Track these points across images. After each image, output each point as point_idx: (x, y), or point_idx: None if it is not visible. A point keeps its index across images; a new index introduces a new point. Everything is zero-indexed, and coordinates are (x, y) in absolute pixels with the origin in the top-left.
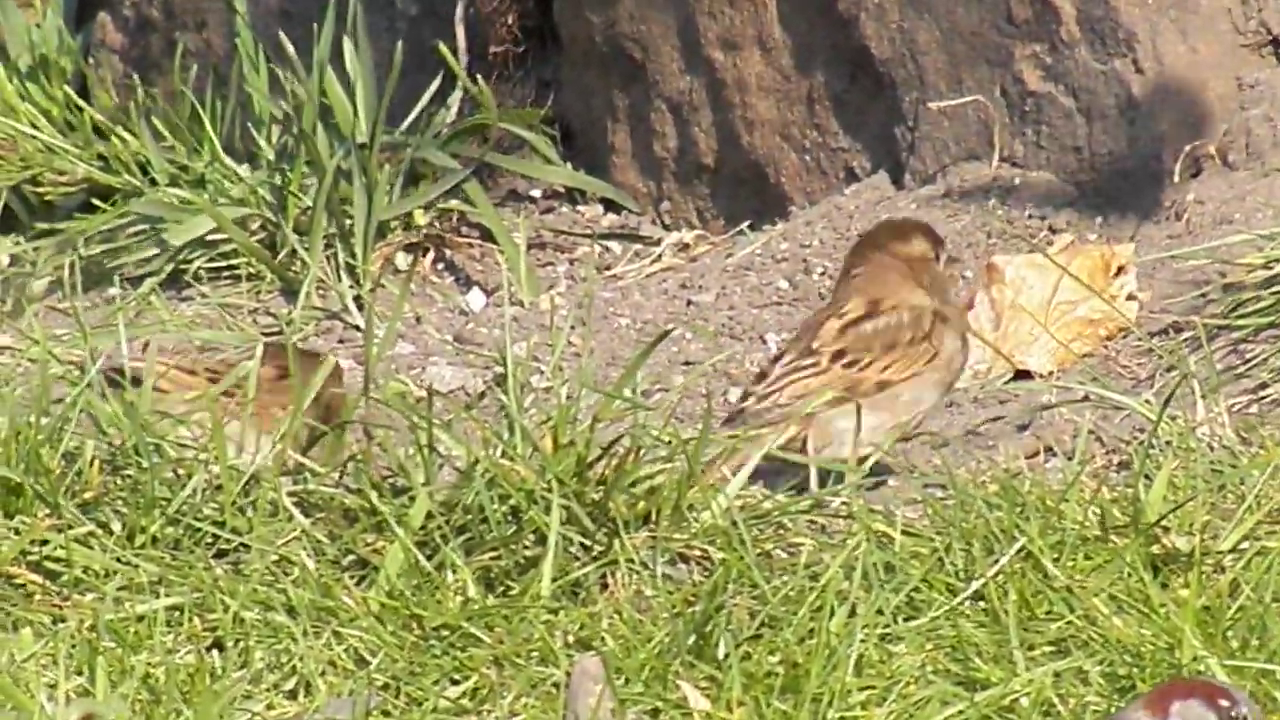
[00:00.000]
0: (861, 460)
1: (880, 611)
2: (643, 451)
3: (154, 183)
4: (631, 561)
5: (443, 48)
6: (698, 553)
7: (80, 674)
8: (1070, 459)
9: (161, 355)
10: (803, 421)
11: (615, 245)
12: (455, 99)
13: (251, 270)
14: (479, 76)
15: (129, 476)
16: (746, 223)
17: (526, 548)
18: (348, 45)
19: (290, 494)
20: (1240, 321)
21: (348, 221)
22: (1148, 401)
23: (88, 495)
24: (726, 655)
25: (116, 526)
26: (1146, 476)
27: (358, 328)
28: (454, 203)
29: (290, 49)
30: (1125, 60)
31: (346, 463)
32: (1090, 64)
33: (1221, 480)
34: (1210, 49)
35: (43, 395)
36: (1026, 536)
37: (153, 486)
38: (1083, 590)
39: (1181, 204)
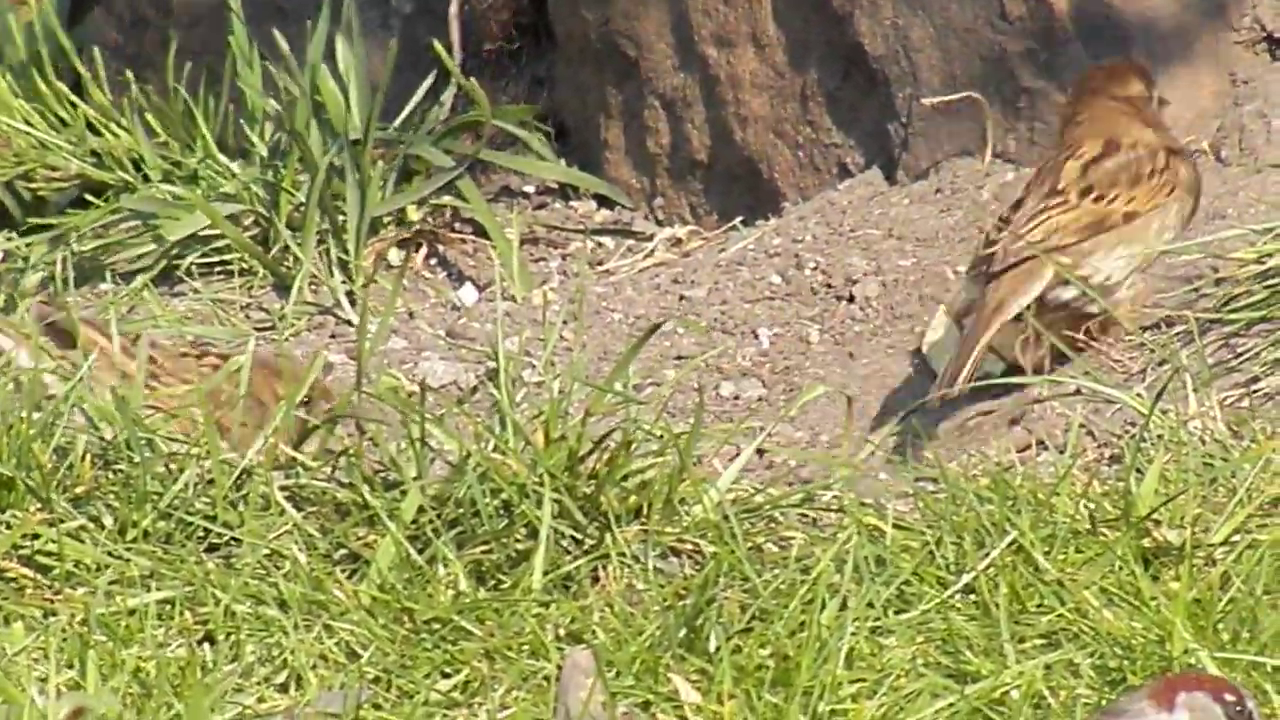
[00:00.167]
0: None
1: (871, 604)
2: (634, 446)
3: (147, 179)
4: (623, 555)
5: (437, 45)
6: (689, 546)
7: (71, 667)
8: (1062, 453)
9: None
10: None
11: (608, 241)
12: (449, 95)
13: (244, 266)
14: (473, 73)
15: (120, 471)
16: (739, 218)
17: (518, 541)
18: (341, 42)
19: (282, 488)
20: (1232, 315)
21: (340, 217)
22: (1139, 395)
23: (79, 490)
24: (717, 648)
25: (108, 521)
26: (1138, 470)
27: (350, 323)
28: (447, 199)
29: (284, 45)
30: (1119, 56)
31: (339, 457)
32: (1084, 59)
33: (1213, 474)
34: (1204, 45)
35: (34, 390)
36: (1017, 530)
37: (144, 481)
38: (1073, 583)
39: None
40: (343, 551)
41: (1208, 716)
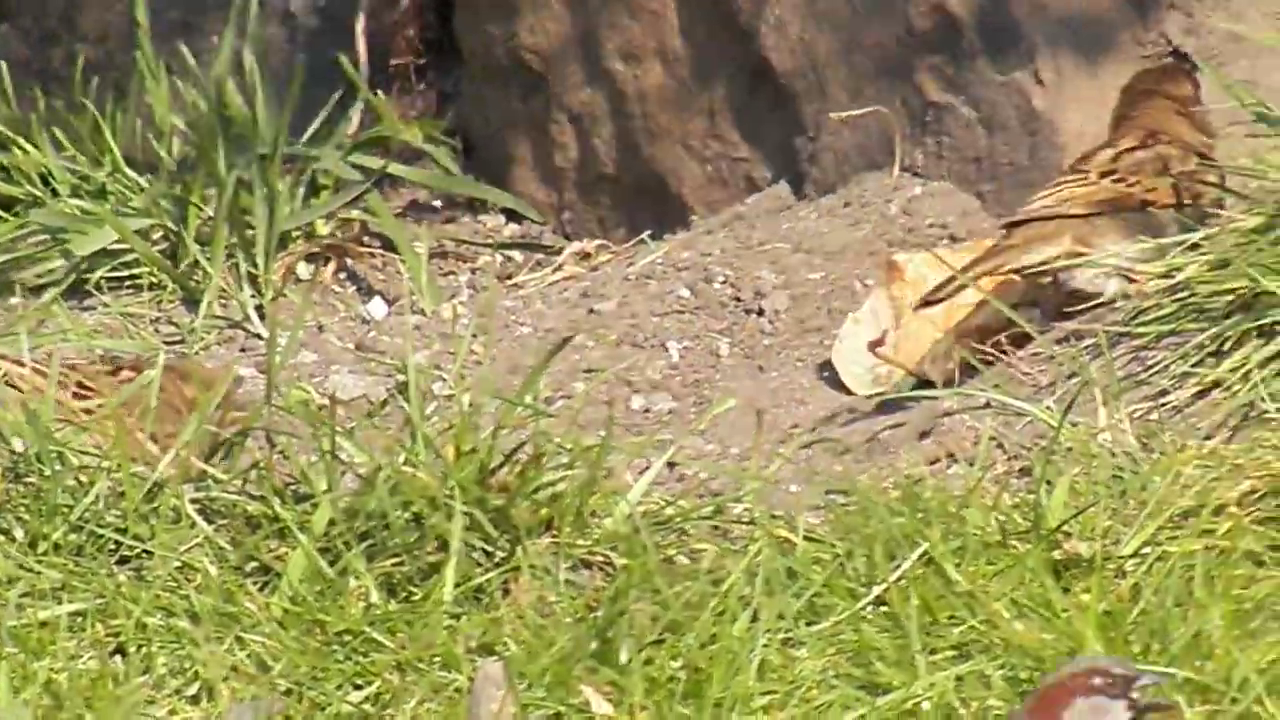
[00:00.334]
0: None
1: (782, 616)
2: (545, 459)
3: (56, 193)
4: (534, 567)
5: (343, 60)
6: (600, 559)
7: None
8: (972, 465)
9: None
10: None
11: (517, 255)
12: (356, 110)
13: (153, 280)
14: (380, 89)
15: (31, 484)
16: (647, 232)
17: (429, 554)
18: (248, 57)
19: (193, 501)
20: (1141, 329)
21: (249, 232)
22: (1049, 408)
23: None
24: (629, 660)
25: (19, 533)
26: (1048, 482)
27: (260, 336)
28: (355, 213)
29: (191, 61)
30: (1025, 71)
31: (249, 470)
32: (990, 75)
33: (1123, 486)
34: (1110, 60)
35: None
36: (928, 542)
37: (55, 494)
38: (984, 595)
39: None
40: (254, 564)
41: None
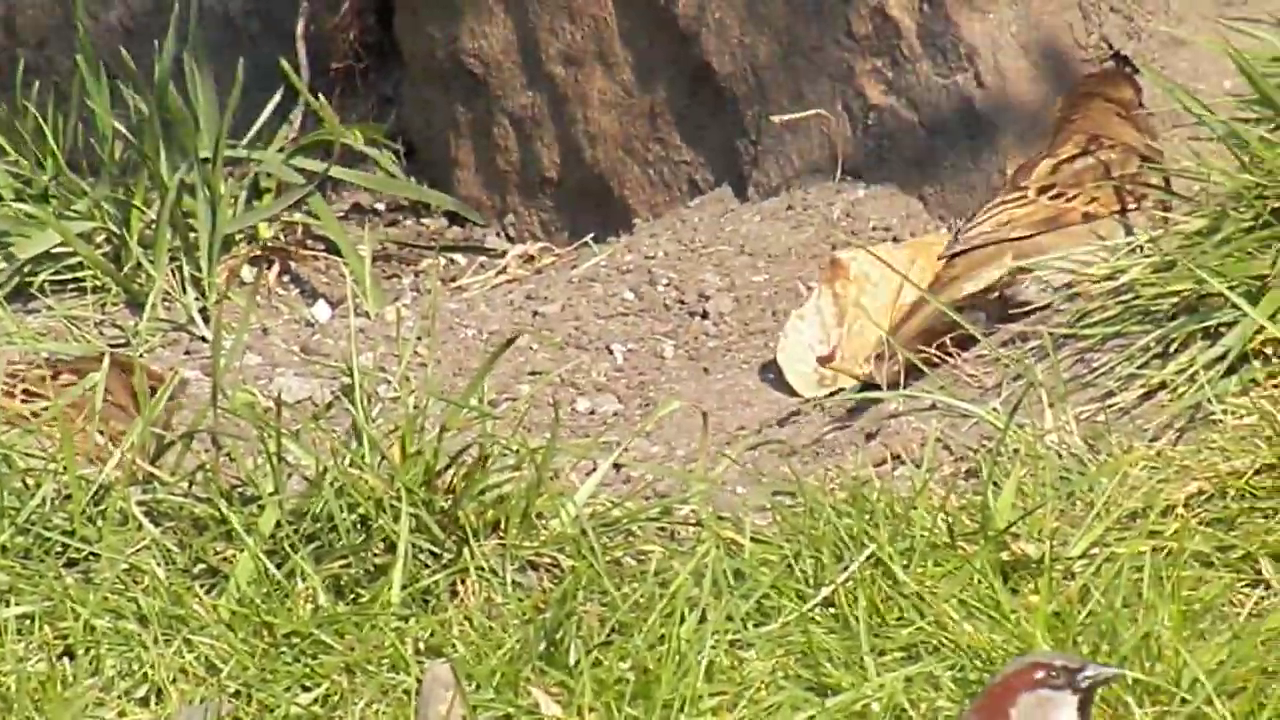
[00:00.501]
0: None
1: (730, 618)
2: (491, 460)
3: None
4: (481, 569)
5: (284, 64)
6: (547, 560)
7: None
8: (919, 467)
9: None
10: (1020, 253)
11: (460, 257)
12: (298, 114)
13: (97, 283)
14: (321, 92)
15: None
16: (590, 235)
17: (376, 556)
18: (189, 61)
19: (139, 503)
20: (1087, 331)
21: (192, 235)
22: (995, 410)
23: None
24: (577, 661)
25: None
26: (995, 484)
27: (204, 339)
28: (299, 216)
29: (132, 65)
30: (967, 74)
31: (196, 472)
32: (932, 78)
33: (1070, 488)
34: (1051, 63)
35: None
36: (876, 543)
37: (1, 497)
38: (933, 596)
39: None
40: (201, 566)
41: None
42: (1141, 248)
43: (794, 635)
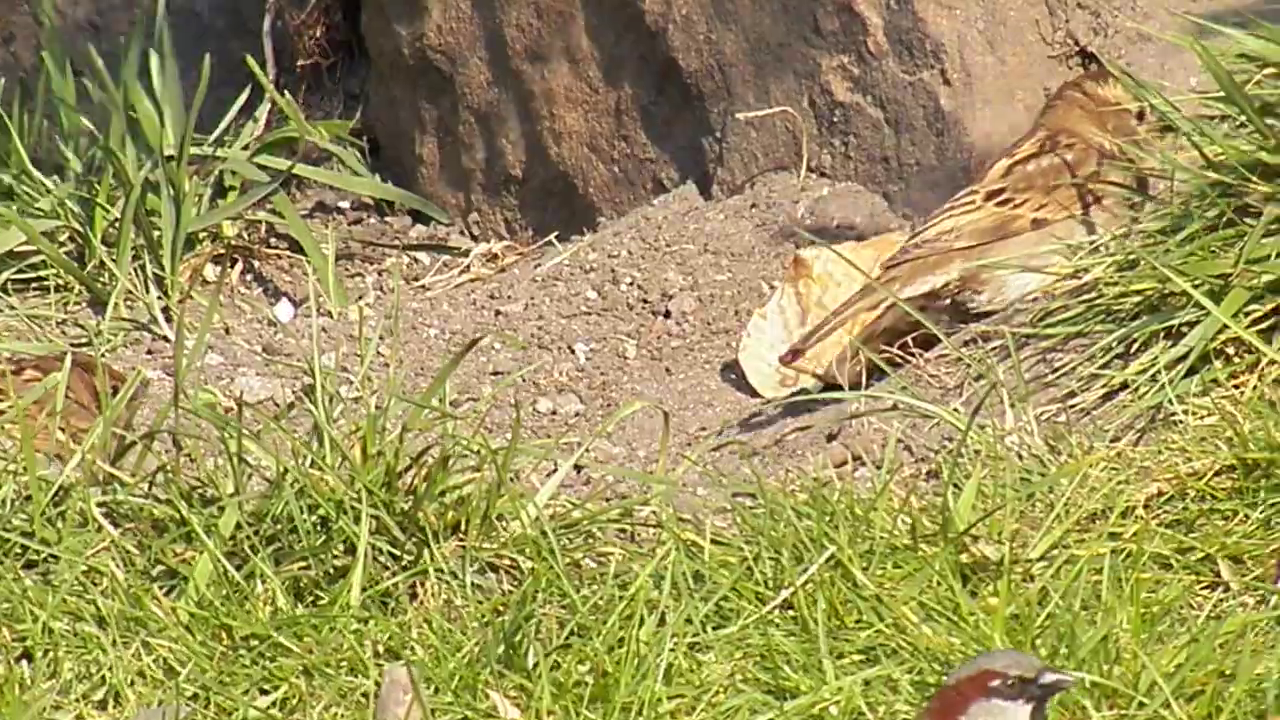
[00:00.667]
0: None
1: (689, 620)
2: (452, 461)
3: None
4: (441, 571)
5: (250, 60)
6: (507, 562)
7: None
8: (879, 468)
9: None
10: (966, 268)
11: (424, 256)
12: (263, 111)
13: (60, 282)
14: (287, 89)
15: None
16: (555, 233)
17: (336, 557)
18: (154, 58)
19: (99, 505)
20: (1048, 330)
21: (156, 233)
22: (956, 410)
23: None
24: (536, 664)
25: None
26: (955, 485)
27: (166, 339)
28: (262, 214)
29: (98, 62)
30: (933, 71)
31: (156, 473)
32: (898, 75)
33: (1030, 489)
34: (1018, 60)
35: None
36: (836, 545)
37: None
38: (892, 599)
39: None
40: (160, 568)
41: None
42: (1104, 247)
43: (753, 638)
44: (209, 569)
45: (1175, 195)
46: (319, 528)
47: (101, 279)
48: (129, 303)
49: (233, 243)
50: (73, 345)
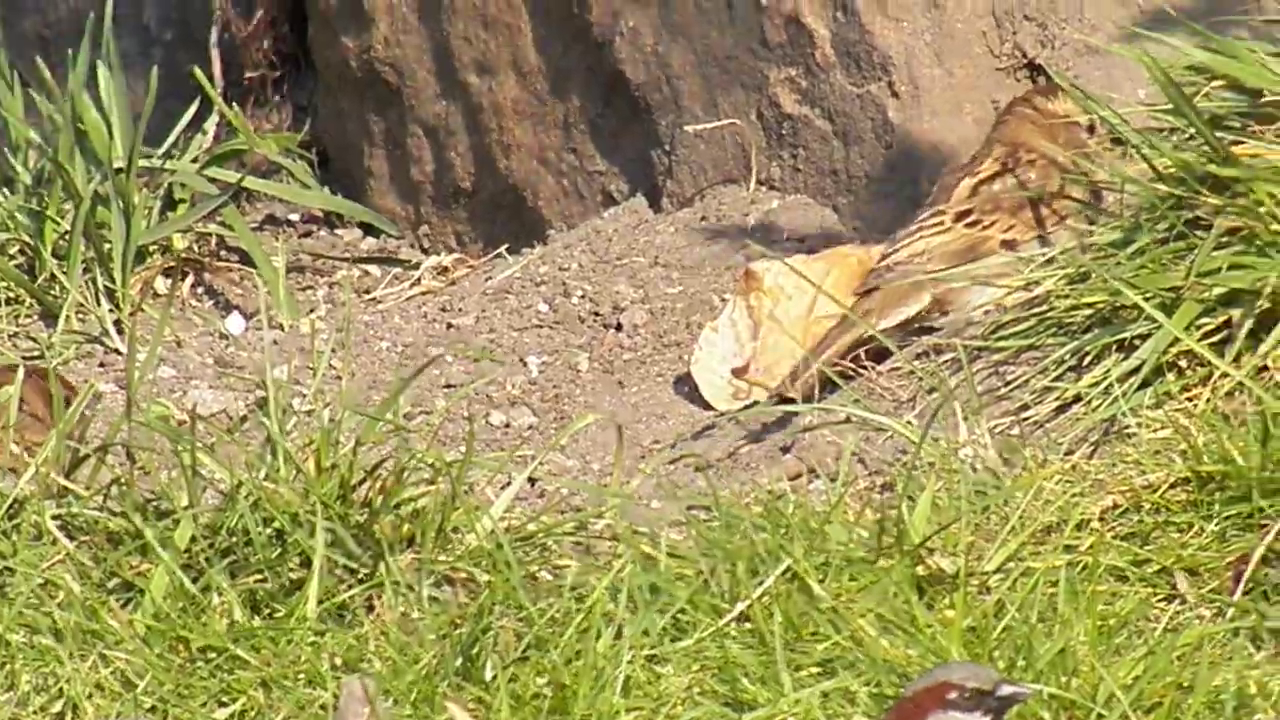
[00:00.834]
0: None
1: (646, 633)
2: (406, 474)
3: None
4: (397, 584)
5: (198, 73)
6: (463, 575)
7: None
8: (834, 480)
9: None
10: (940, 291)
11: (374, 269)
12: (211, 124)
13: (10, 295)
14: (235, 102)
15: None
16: (505, 246)
17: (292, 570)
18: (102, 71)
19: (54, 517)
20: (1001, 343)
21: (106, 246)
22: (910, 423)
23: None
24: (494, 677)
25: None
26: (910, 498)
27: (118, 351)
28: (213, 227)
29: (46, 74)
30: (881, 84)
31: (110, 486)
32: (846, 87)
33: (985, 502)
34: (966, 72)
35: None
36: (791, 558)
37: None
38: (849, 611)
39: None
40: (116, 581)
41: None
42: (1056, 260)
43: (710, 650)
44: (165, 581)
45: (1125, 208)
46: (274, 540)
47: (52, 292)
48: (80, 316)
49: (183, 255)
50: (24, 359)
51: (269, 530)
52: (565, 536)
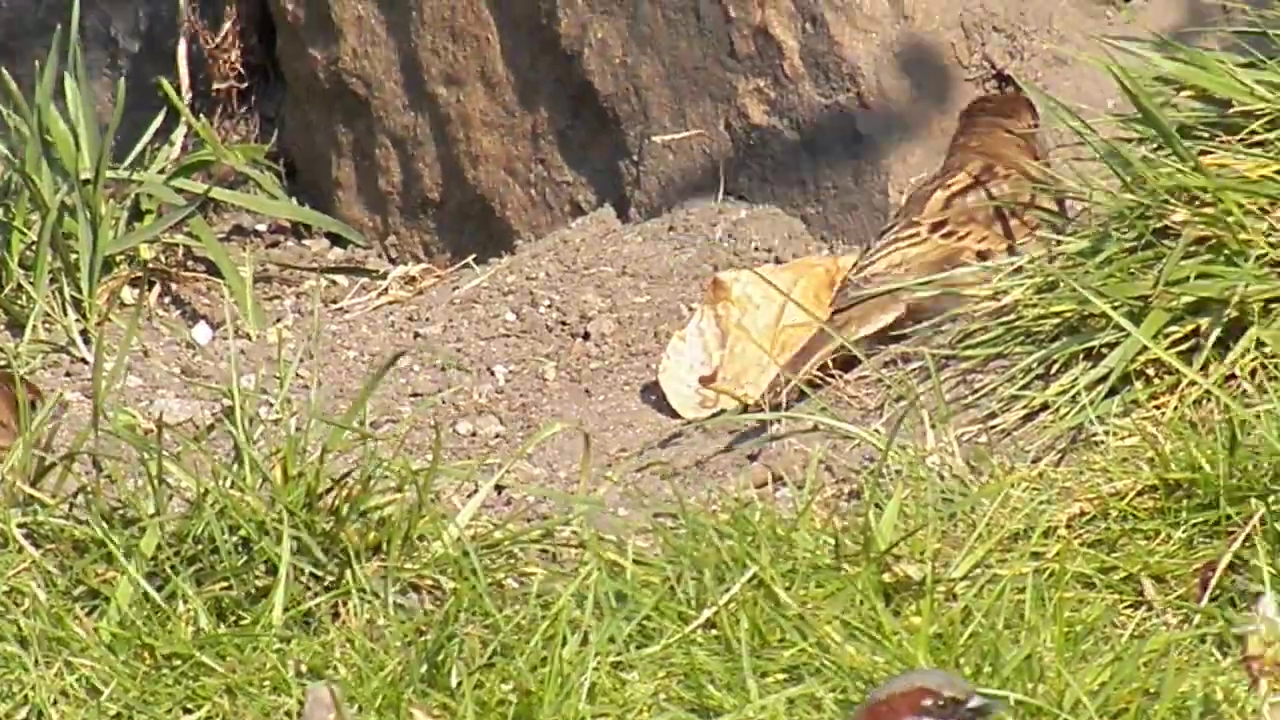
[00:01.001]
0: None
1: (612, 640)
2: (373, 482)
3: None
4: (363, 591)
5: (165, 84)
6: (429, 582)
7: None
8: (801, 488)
9: None
10: (914, 301)
11: (342, 279)
12: (179, 135)
13: None
14: (203, 113)
15: None
16: (472, 256)
17: (258, 578)
18: (70, 82)
19: (20, 525)
20: (969, 352)
21: (73, 256)
22: (877, 431)
23: None
24: (459, 684)
25: None
26: (877, 505)
27: (85, 361)
28: (180, 237)
29: (12, 85)
30: (849, 94)
31: (76, 494)
32: (814, 98)
33: (952, 509)
34: (934, 83)
35: None
36: (758, 565)
37: None
38: (815, 618)
39: None
40: (82, 588)
41: None
42: (1024, 269)
43: (676, 657)
44: (130, 589)
45: (1094, 218)
46: (240, 548)
47: (19, 302)
48: (47, 325)
49: (150, 266)
50: None
51: (235, 538)
52: (531, 544)
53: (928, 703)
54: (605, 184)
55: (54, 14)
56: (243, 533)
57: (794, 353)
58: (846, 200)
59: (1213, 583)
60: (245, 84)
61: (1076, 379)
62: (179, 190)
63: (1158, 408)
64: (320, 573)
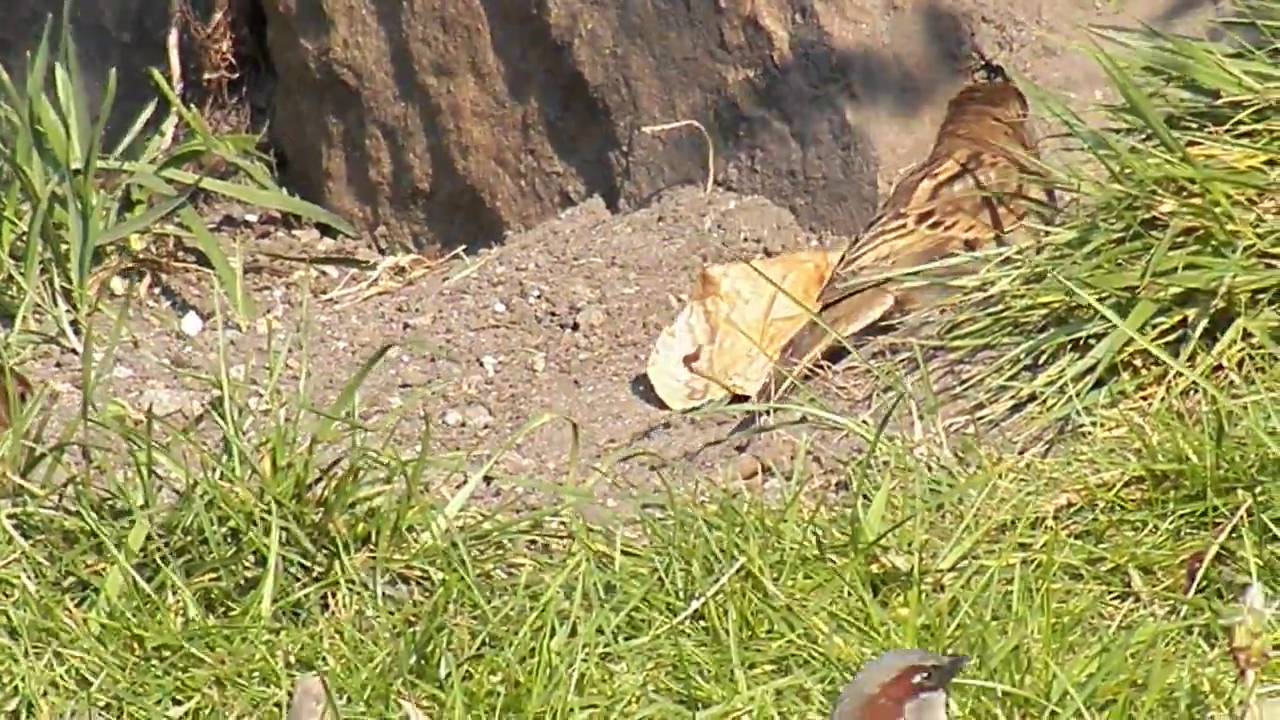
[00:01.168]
0: None
1: (601, 631)
2: (362, 473)
3: None
4: (352, 582)
5: (156, 74)
6: (418, 573)
7: None
8: (789, 479)
9: None
10: (902, 292)
11: (331, 269)
12: (170, 125)
13: None
14: (193, 103)
15: None
16: (462, 247)
17: (247, 569)
18: (60, 72)
19: (9, 516)
20: (956, 342)
21: (64, 246)
22: (865, 422)
23: None
24: (448, 675)
25: None
26: (865, 496)
27: (75, 352)
28: (170, 228)
29: (4, 75)
30: (839, 85)
31: (66, 485)
32: (804, 89)
33: (940, 500)
34: (923, 74)
35: None
36: (746, 556)
37: None
38: (803, 609)
39: None
40: (71, 579)
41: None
42: (1011, 259)
43: (664, 648)
44: (120, 580)
45: (1081, 209)
46: (229, 539)
47: (9, 292)
48: (37, 316)
49: (140, 256)
50: None
51: (224, 529)
52: (520, 535)
53: (919, 679)
54: (595, 175)
55: (45, 4)
56: (232, 524)
57: (784, 348)
58: (836, 191)
59: (1200, 574)
60: (236, 74)
61: (1064, 370)
62: (169, 180)
63: (1145, 399)
64: (309, 564)
